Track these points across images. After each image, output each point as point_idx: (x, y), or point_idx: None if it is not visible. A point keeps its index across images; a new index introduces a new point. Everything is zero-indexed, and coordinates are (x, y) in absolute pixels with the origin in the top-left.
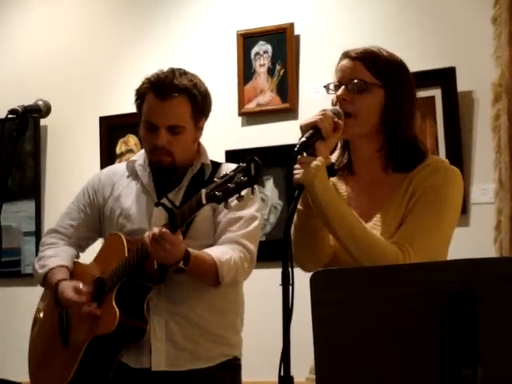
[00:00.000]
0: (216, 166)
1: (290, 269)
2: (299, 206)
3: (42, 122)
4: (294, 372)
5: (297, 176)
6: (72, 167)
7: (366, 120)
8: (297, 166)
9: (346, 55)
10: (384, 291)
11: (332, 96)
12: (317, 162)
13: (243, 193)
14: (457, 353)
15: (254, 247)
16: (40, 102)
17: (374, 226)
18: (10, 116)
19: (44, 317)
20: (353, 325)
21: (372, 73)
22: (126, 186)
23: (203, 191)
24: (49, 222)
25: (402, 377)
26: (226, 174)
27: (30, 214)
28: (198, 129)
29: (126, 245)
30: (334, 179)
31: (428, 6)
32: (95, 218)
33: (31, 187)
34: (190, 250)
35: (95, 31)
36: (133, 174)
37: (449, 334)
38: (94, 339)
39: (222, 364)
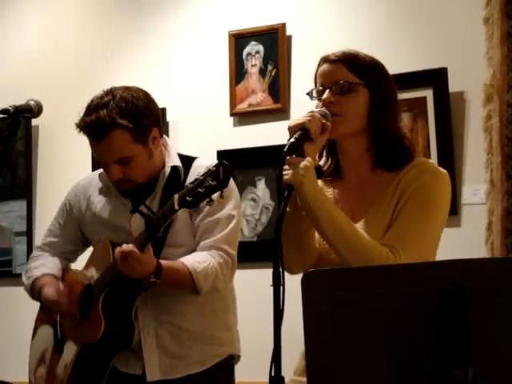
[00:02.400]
0: (189, 162)
1: (280, 269)
2: (287, 208)
3: (34, 121)
4: (284, 372)
5: (286, 177)
6: (63, 167)
7: (354, 118)
8: (286, 166)
9: (325, 60)
10: (375, 291)
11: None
12: (305, 162)
13: (213, 197)
14: (448, 353)
15: (233, 250)
16: (31, 102)
17: (362, 227)
18: (1, 116)
19: (43, 326)
20: (344, 325)
21: (354, 73)
22: (99, 200)
23: (176, 196)
24: (40, 222)
25: (393, 377)
26: (196, 179)
27: (21, 213)
28: (152, 141)
29: (111, 252)
30: (320, 183)
31: (419, 6)
32: (76, 231)
33: (23, 187)
34: (163, 262)
35: (87, 32)
36: (106, 185)
37: (440, 335)
38: (84, 347)
39: (216, 366)
